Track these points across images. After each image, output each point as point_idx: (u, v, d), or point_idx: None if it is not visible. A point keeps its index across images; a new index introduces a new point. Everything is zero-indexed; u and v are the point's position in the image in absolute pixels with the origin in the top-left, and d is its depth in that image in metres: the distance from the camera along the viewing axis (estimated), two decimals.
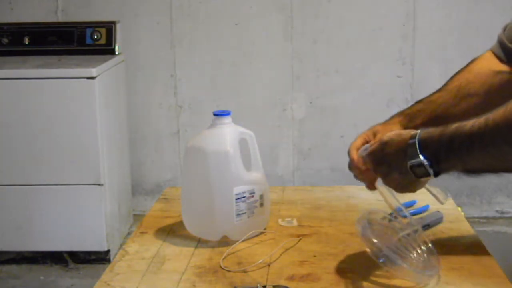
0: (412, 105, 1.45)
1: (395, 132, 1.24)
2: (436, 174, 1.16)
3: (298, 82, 3.38)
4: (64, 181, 2.90)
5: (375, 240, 1.16)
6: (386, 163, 1.21)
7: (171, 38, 3.39)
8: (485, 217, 3.44)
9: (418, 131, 1.18)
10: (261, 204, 1.41)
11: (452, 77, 1.46)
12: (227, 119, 1.39)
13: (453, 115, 1.36)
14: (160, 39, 3.39)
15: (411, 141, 1.16)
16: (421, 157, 1.14)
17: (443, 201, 1.38)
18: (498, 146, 1.09)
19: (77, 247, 2.97)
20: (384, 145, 1.21)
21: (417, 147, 1.15)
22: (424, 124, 1.37)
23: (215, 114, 1.40)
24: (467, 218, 1.52)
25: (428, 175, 1.16)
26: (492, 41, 1.51)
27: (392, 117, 1.44)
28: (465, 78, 1.43)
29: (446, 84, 1.45)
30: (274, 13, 3.34)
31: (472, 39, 3.27)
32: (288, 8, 3.33)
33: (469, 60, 1.50)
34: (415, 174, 1.16)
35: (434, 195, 1.37)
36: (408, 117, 1.42)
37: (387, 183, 1.24)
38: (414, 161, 1.15)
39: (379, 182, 1.28)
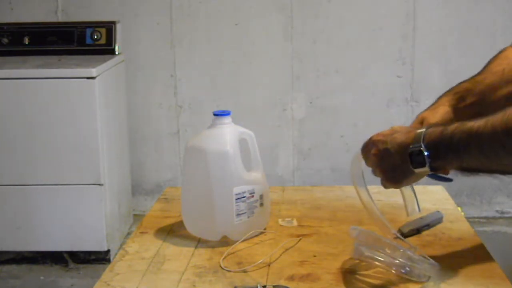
0: (458, 84, 1.46)
1: (408, 126, 1.29)
2: (432, 169, 1.19)
3: (298, 82, 3.38)
4: (64, 181, 2.90)
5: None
6: (388, 148, 1.24)
7: (171, 38, 3.39)
8: (485, 217, 3.44)
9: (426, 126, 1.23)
10: (261, 204, 1.41)
11: (489, 62, 1.47)
12: (227, 119, 1.39)
13: (499, 97, 1.38)
14: (160, 39, 3.39)
15: (418, 132, 1.20)
16: (423, 145, 1.18)
17: (410, 213, 1.38)
18: (494, 149, 1.12)
19: (77, 247, 2.97)
20: (394, 131, 1.26)
21: (422, 138, 1.18)
22: (473, 105, 1.40)
23: (215, 114, 1.40)
24: (467, 218, 1.52)
25: (424, 165, 1.18)
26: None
27: (439, 99, 1.45)
28: (507, 63, 1.44)
29: (486, 68, 1.46)
30: (274, 13, 3.34)
31: (472, 39, 3.26)
32: (288, 8, 3.32)
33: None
34: (412, 162, 1.19)
35: (405, 201, 1.37)
36: (457, 96, 1.43)
37: (381, 165, 1.25)
38: (414, 147, 1.18)
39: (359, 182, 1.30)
